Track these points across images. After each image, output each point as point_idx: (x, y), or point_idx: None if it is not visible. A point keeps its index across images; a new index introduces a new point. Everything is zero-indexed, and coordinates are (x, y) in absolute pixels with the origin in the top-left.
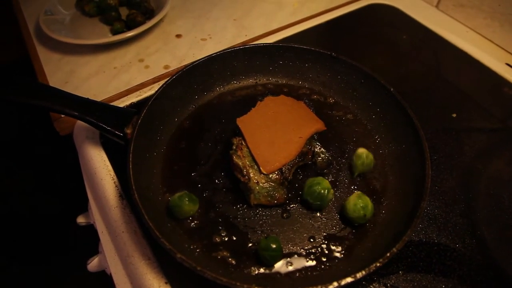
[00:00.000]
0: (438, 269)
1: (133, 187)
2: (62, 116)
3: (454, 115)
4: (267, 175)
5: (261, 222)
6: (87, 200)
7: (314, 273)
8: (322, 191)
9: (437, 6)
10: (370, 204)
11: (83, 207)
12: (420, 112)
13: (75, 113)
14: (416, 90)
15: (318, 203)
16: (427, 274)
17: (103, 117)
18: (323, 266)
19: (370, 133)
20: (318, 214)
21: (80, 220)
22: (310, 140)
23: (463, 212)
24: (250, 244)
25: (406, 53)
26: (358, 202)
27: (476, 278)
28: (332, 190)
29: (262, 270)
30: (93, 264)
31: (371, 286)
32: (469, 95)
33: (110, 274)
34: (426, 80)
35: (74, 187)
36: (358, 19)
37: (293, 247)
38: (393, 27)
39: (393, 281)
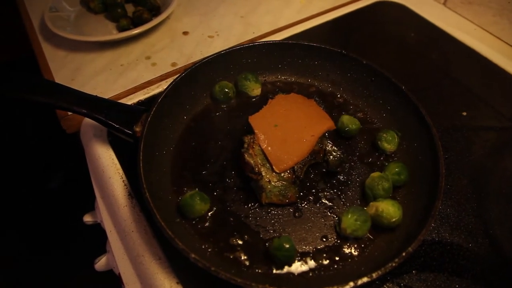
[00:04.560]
0: (452, 268)
1: (144, 186)
2: (69, 113)
3: (464, 113)
4: (279, 173)
5: (273, 221)
6: (93, 198)
7: (328, 273)
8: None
9: (444, 4)
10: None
11: (90, 206)
12: (429, 110)
13: (84, 110)
14: (425, 88)
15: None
16: (441, 274)
17: (112, 114)
18: (336, 266)
19: (381, 131)
20: (330, 213)
21: (87, 218)
22: (322, 139)
23: (476, 211)
24: (262, 244)
25: (414, 51)
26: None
27: (489, 278)
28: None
29: (275, 270)
30: (100, 263)
31: (385, 286)
32: (478, 93)
33: (119, 273)
34: (435, 78)
35: (79, 186)
36: (365, 17)
37: (306, 247)
38: (401, 24)
39: (406, 281)
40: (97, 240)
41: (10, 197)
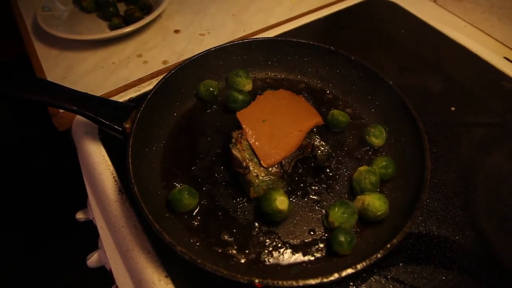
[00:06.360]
0: (438, 260)
1: (133, 181)
2: (61, 111)
3: (453, 108)
4: (266, 168)
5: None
6: (86, 196)
7: (315, 266)
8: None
9: (435, 1)
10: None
11: (82, 203)
12: (419, 106)
13: (74, 108)
14: (415, 84)
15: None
16: (427, 266)
17: (102, 111)
18: (323, 259)
19: (369, 126)
20: (317, 207)
21: (79, 216)
22: (310, 134)
23: (463, 205)
24: (251, 238)
25: (405, 48)
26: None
27: (475, 270)
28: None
29: (262, 263)
30: (92, 259)
31: (372, 278)
32: (467, 89)
33: (110, 269)
34: (425, 74)
35: (72, 183)
36: (356, 14)
37: (294, 240)
38: (391, 21)
39: (393, 273)
40: (89, 237)
41: (3, 196)
